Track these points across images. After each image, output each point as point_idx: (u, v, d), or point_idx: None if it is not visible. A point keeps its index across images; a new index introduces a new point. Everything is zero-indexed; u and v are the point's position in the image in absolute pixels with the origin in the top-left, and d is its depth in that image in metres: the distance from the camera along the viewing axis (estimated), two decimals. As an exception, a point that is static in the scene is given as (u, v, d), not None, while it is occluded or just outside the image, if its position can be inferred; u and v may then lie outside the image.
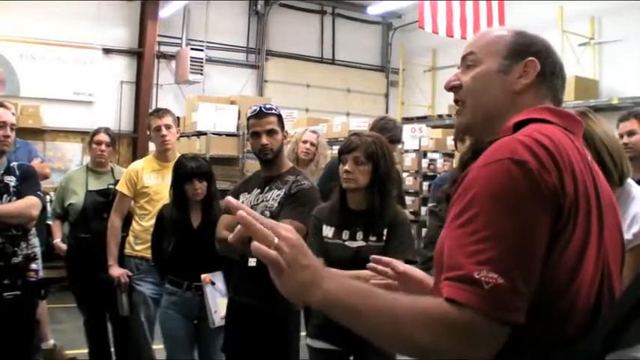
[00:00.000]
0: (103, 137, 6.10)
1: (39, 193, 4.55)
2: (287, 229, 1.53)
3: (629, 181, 2.98)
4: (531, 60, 1.77)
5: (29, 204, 4.41)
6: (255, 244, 1.48)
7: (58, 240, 6.30)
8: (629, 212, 2.89)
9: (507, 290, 1.42)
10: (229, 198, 1.59)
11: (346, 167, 3.68)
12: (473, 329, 1.43)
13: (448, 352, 1.45)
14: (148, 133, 5.71)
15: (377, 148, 3.72)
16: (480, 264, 1.43)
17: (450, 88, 1.89)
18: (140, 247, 5.45)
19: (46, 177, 6.80)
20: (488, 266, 1.42)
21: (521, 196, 1.47)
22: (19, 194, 4.40)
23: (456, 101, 1.88)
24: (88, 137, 6.33)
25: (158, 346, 5.29)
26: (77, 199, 5.98)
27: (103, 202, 5.89)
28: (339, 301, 1.52)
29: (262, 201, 4.14)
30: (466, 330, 1.43)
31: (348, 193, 3.75)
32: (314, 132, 6.66)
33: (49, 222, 8.62)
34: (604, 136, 2.85)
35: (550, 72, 1.81)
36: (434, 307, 1.47)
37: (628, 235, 2.75)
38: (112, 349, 6.06)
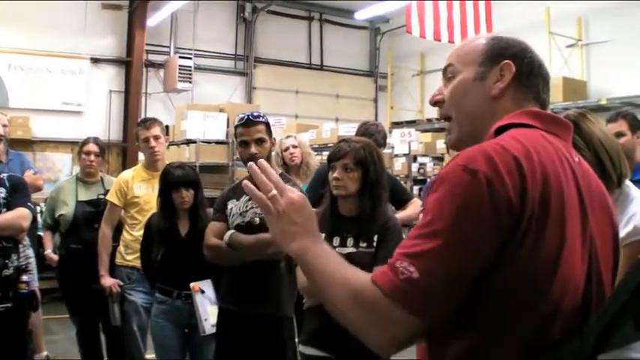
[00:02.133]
0: (92, 147, 6.09)
1: (29, 204, 4.54)
2: (294, 191, 1.77)
3: (627, 182, 2.98)
4: (506, 63, 1.78)
5: (19, 215, 4.39)
6: (245, 182, 1.78)
7: (49, 251, 6.28)
8: (627, 212, 2.88)
9: (420, 286, 1.49)
10: (251, 164, 1.83)
11: (335, 174, 3.67)
12: (379, 309, 1.52)
13: (357, 324, 1.59)
14: (137, 143, 5.69)
15: (366, 153, 3.70)
16: (405, 256, 1.53)
17: (434, 103, 1.91)
18: (131, 256, 5.42)
19: (39, 189, 6.79)
20: (410, 259, 1.51)
21: (465, 204, 1.50)
22: (9, 206, 4.38)
23: (446, 118, 1.89)
24: (78, 147, 6.33)
25: (151, 355, 5.28)
26: (67, 209, 5.96)
27: (93, 212, 5.88)
28: (307, 257, 1.70)
29: (252, 207, 4.12)
30: (372, 308, 1.53)
31: (339, 199, 3.74)
32: (288, 136, 6.81)
33: (40, 233, 8.61)
34: (603, 137, 2.84)
35: (528, 72, 1.80)
36: (359, 282, 1.59)
37: (622, 233, 2.75)
38: (105, 359, 6.04)
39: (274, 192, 1.73)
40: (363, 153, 3.69)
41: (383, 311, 1.51)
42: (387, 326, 1.52)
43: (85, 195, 6.02)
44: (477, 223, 1.48)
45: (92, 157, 6.08)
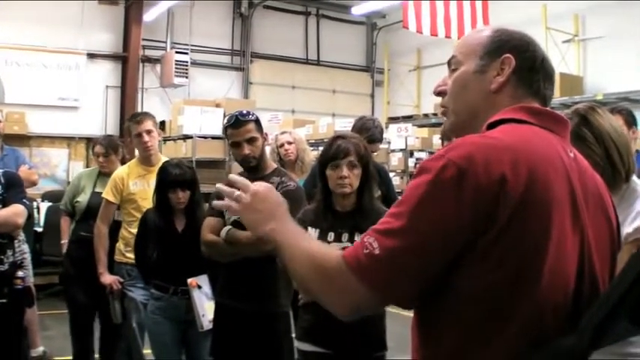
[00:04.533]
0: (98, 149, 6.11)
1: (24, 200, 4.51)
2: (261, 184, 1.98)
3: (634, 178, 2.95)
4: (507, 57, 1.76)
5: (15, 212, 4.36)
6: (214, 202, 2.08)
7: (65, 241, 6.25)
8: (634, 208, 2.84)
9: (378, 262, 1.55)
10: (220, 185, 2.05)
11: (343, 173, 3.66)
12: (339, 279, 1.60)
13: (318, 292, 1.70)
14: (129, 139, 5.66)
15: (364, 149, 3.75)
16: (374, 232, 1.59)
17: (437, 92, 1.91)
18: (131, 253, 5.34)
19: (34, 184, 6.77)
20: (376, 236, 1.57)
21: (433, 189, 1.53)
22: (4, 202, 4.37)
23: (442, 106, 1.89)
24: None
25: (149, 351, 5.27)
26: (84, 197, 5.96)
27: None
28: (276, 238, 1.83)
29: (249, 204, 4.11)
30: (333, 277, 1.62)
31: (337, 195, 3.74)
32: (284, 132, 6.91)
33: (37, 229, 8.59)
34: (612, 132, 2.81)
35: (528, 67, 1.78)
36: (322, 253, 1.70)
37: (629, 229, 2.74)
38: (98, 355, 5.99)
39: (237, 192, 1.93)
40: (363, 148, 3.74)
41: (343, 281, 1.59)
42: (346, 295, 1.61)
43: (102, 187, 5.98)
44: (441, 208, 1.51)
45: (101, 159, 6.07)
